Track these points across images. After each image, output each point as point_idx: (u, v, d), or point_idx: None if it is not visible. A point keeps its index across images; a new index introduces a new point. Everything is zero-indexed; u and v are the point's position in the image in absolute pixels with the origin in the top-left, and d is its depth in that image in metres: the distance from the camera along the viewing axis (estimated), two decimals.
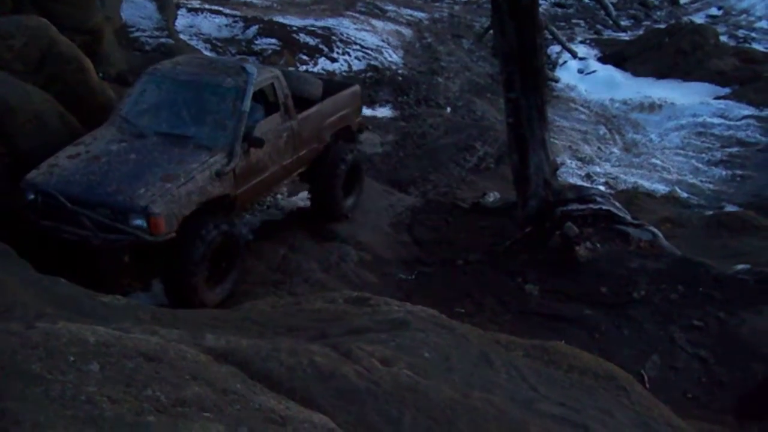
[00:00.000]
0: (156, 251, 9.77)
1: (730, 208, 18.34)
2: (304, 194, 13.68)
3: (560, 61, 29.43)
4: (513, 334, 8.10)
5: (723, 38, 31.23)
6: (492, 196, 16.42)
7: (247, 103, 10.74)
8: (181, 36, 23.70)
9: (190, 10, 26.84)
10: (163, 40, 21.59)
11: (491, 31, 15.33)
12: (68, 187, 9.47)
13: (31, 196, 9.59)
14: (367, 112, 22.29)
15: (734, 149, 22.76)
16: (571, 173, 20.31)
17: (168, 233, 9.39)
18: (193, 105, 10.94)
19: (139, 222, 9.24)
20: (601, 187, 18.17)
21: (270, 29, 25.99)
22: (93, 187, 9.51)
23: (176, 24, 24.58)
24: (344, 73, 24.85)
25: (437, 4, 35.25)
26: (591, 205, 13.61)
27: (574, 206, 13.57)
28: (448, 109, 23.62)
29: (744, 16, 36.40)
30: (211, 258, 9.97)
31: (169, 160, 10.01)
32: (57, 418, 3.75)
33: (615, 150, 23.12)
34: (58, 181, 9.51)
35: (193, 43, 23.79)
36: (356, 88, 14.32)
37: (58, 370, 4.22)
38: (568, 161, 21.00)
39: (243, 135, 10.58)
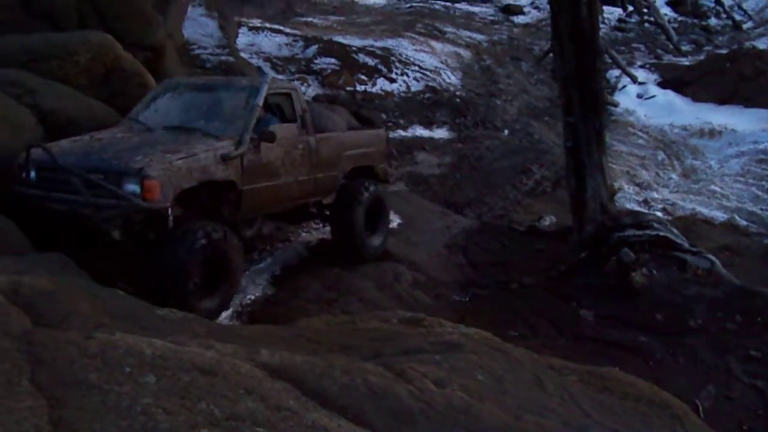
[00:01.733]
0: (147, 243, 9.17)
1: None
2: None
3: (619, 85, 29.28)
4: (567, 359, 8.03)
5: None
6: (548, 220, 16.35)
7: (261, 99, 10.38)
8: (242, 54, 23.94)
9: (251, 28, 27.13)
10: (223, 57, 21.82)
11: (551, 54, 15.38)
12: (64, 157, 9.02)
13: (25, 174, 9.24)
14: (424, 133, 22.38)
15: None
16: (628, 199, 20.15)
17: (163, 203, 8.62)
18: (205, 104, 10.77)
19: (132, 187, 8.50)
20: (659, 213, 18.01)
21: (330, 49, 26.16)
22: (89, 154, 9.15)
23: (237, 42, 24.87)
24: (402, 94, 24.91)
25: (496, 26, 35.25)
26: (648, 231, 13.46)
27: (631, 232, 13.44)
28: (506, 132, 23.59)
29: None
30: (201, 267, 9.00)
31: (173, 141, 9.59)
32: (113, 428, 3.79)
33: (673, 176, 22.91)
34: (55, 153, 9.05)
35: (253, 61, 24.02)
36: (382, 131, 13.95)
37: (115, 380, 4.27)
38: (626, 186, 20.85)
39: (254, 127, 10.09)
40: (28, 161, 9.10)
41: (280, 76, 23.89)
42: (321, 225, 13.17)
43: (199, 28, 23.30)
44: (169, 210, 8.88)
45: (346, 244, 12.33)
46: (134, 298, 7.14)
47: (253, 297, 10.98)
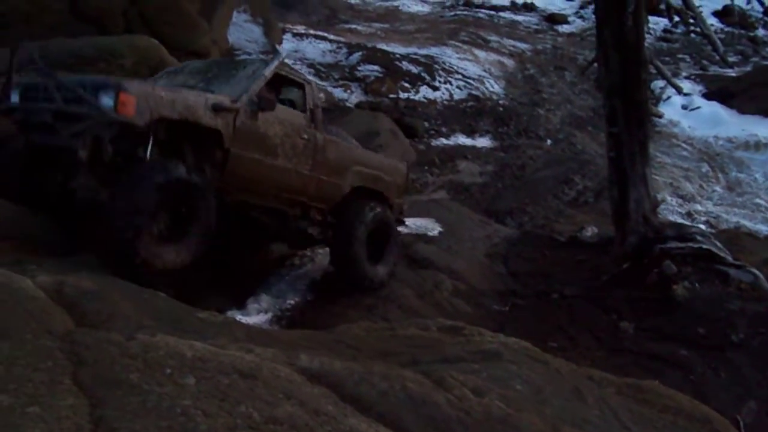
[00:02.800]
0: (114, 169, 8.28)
1: None
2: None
3: (664, 96, 29.07)
4: (606, 371, 7.97)
5: None
6: (590, 231, 16.26)
7: (268, 71, 9.85)
8: (286, 60, 24.04)
9: (295, 35, 27.28)
10: None
11: (595, 64, 15.23)
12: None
13: (7, 98, 8.78)
14: (466, 141, 22.36)
15: None
16: (671, 210, 20.00)
17: (136, 120, 7.90)
18: (214, 72, 10.34)
19: (107, 99, 7.85)
20: (702, 226, 17.85)
21: (373, 56, 26.22)
22: (76, 77, 8.85)
23: (281, 48, 24.98)
24: (445, 102, 24.91)
25: (540, 35, 35.16)
26: (691, 244, 13.36)
27: (674, 244, 13.34)
28: (549, 142, 23.51)
29: None
30: (163, 209, 8.08)
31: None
32: (153, 428, 3.82)
33: (717, 188, 22.72)
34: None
35: (297, 67, 24.10)
36: (403, 164, 12.96)
37: (156, 381, 4.30)
38: (669, 198, 20.69)
39: (254, 94, 9.45)
40: (10, 83, 8.76)
41: (323, 83, 24.00)
42: None
43: (243, 33, 23.48)
44: (149, 141, 8.20)
45: (344, 269, 11.33)
46: (175, 300, 7.18)
47: (292, 302, 11.00)
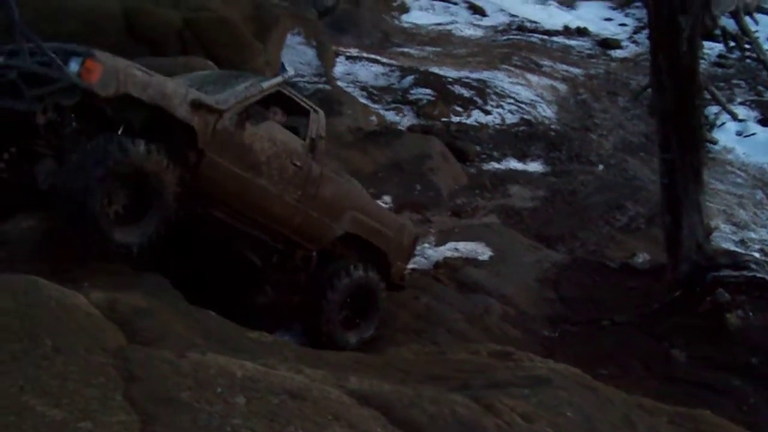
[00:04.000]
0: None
1: None
2: (452, 245, 13.68)
3: (718, 122, 28.70)
4: (657, 400, 7.91)
5: None
6: (641, 257, 16.13)
7: (267, 84, 9.33)
8: (339, 83, 24.18)
9: (348, 57, 27.39)
10: (320, 85, 22.08)
11: (649, 90, 15.15)
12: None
13: None
14: (517, 166, 22.28)
15: None
16: (724, 238, 19.72)
17: (98, 89, 7.45)
18: (214, 79, 9.92)
19: (74, 65, 7.49)
20: (756, 254, 17.60)
21: (426, 79, 26.22)
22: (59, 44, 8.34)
23: (334, 71, 25.12)
24: (497, 126, 24.86)
25: (593, 60, 34.98)
26: (745, 272, 13.20)
27: (727, 272, 13.19)
28: (600, 167, 23.34)
29: None
30: (111, 184, 7.54)
31: None
32: None
33: None
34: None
35: (349, 90, 24.23)
36: (411, 226, 12.15)
37: (206, 400, 4.33)
38: (723, 226, 20.42)
39: (246, 103, 8.90)
40: None
41: (375, 106, 24.07)
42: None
43: (297, 56, 23.61)
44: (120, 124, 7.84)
45: (309, 323, 10.43)
46: (226, 320, 7.24)
47: None
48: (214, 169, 8.67)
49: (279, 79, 9.68)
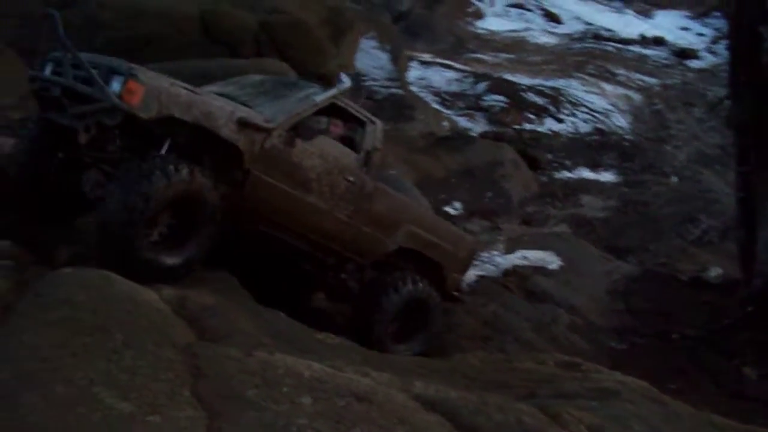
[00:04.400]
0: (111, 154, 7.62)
1: None
2: (521, 253, 13.58)
3: None
4: (727, 417, 7.76)
5: None
6: (714, 271, 15.88)
7: (321, 98, 8.89)
8: (412, 88, 24.21)
9: (422, 62, 27.42)
10: (393, 90, 22.12)
11: (726, 101, 14.91)
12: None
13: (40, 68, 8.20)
14: (590, 175, 22.11)
15: None
16: None
17: (140, 111, 7.19)
18: (265, 88, 9.57)
19: (116, 84, 7.26)
20: None
21: (499, 86, 26.17)
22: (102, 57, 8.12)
23: (408, 76, 25.14)
24: (570, 135, 24.70)
25: (669, 70, 34.56)
26: None
27: None
28: (674, 179, 23.06)
29: None
30: (157, 209, 7.21)
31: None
32: None
33: None
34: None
35: (422, 95, 24.25)
36: (471, 238, 11.69)
37: (272, 399, 4.35)
38: None
39: (296, 119, 8.54)
40: (40, 55, 8.32)
41: (448, 111, 24.06)
42: (480, 262, 12.87)
43: (370, 60, 23.69)
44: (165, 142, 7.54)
45: (360, 334, 9.60)
46: (294, 320, 7.26)
47: None
48: (260, 188, 8.36)
49: (333, 91, 9.32)
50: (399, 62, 24.70)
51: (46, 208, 8.37)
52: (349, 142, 9.39)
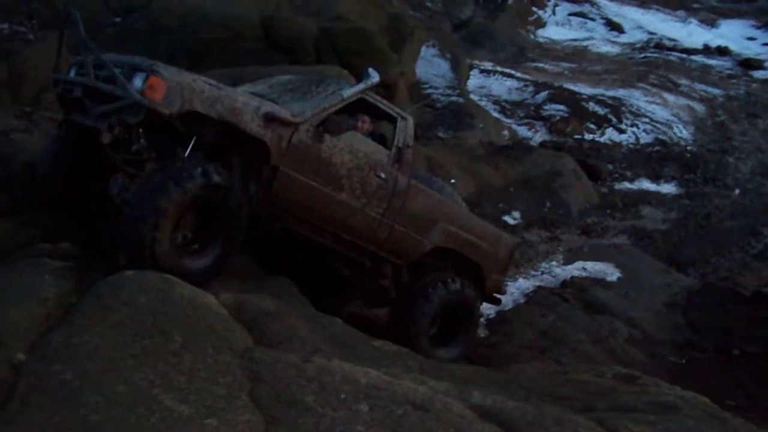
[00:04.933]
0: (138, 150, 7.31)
1: None
2: (580, 264, 13.49)
3: None
4: None
5: None
6: None
7: (349, 93, 8.62)
8: (472, 96, 24.17)
9: (482, 71, 27.41)
10: (453, 98, 22.10)
11: None
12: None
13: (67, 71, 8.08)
14: (650, 186, 21.90)
15: None
16: None
17: (162, 107, 7.04)
18: (294, 85, 9.32)
19: (138, 81, 7.12)
20: None
21: (560, 96, 26.06)
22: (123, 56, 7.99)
23: (468, 84, 25.12)
24: (631, 146, 24.50)
25: (734, 80, 34.12)
26: None
27: None
28: (737, 191, 22.75)
29: None
30: (183, 211, 7.09)
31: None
32: None
33: None
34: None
35: (482, 103, 24.22)
36: (510, 238, 11.22)
37: (330, 405, 4.37)
38: None
39: (324, 114, 8.30)
40: (59, 57, 8.11)
41: (508, 120, 24.00)
42: (538, 272, 12.81)
43: (431, 68, 23.72)
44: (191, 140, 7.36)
45: (399, 339, 9.00)
46: (351, 327, 7.26)
47: None
48: (289, 185, 8.11)
49: (361, 86, 8.89)
50: (459, 70, 24.68)
51: (73, 213, 8.26)
52: (380, 139, 9.26)
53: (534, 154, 20.46)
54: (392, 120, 9.30)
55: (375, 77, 8.89)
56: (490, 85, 26.61)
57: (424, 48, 24.35)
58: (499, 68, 28.54)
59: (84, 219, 8.14)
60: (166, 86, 7.05)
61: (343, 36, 18.89)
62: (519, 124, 24.20)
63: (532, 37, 37.19)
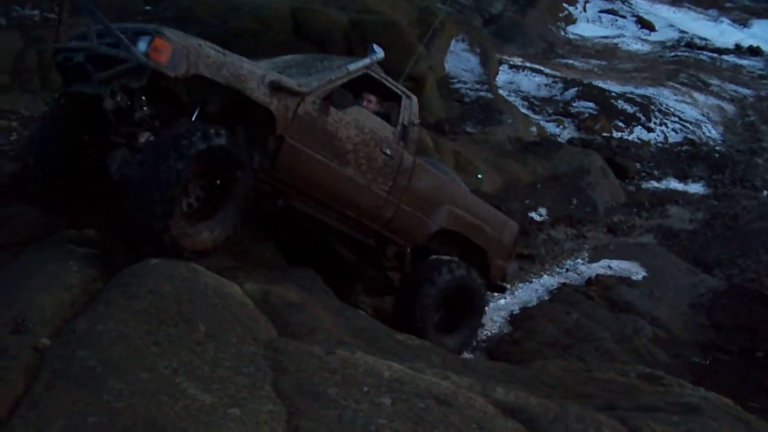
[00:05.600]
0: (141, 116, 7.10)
1: None
2: (606, 262, 13.43)
3: None
4: None
5: None
6: None
7: (354, 67, 8.53)
8: (500, 91, 24.11)
9: (511, 66, 27.34)
10: (482, 93, 22.05)
11: None
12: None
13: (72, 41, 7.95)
14: (678, 186, 21.78)
15: None
16: None
17: (167, 69, 6.82)
18: (301, 63, 9.14)
19: (142, 44, 6.89)
20: None
21: (589, 93, 25.97)
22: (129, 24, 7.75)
23: (497, 79, 25.06)
24: (659, 144, 24.37)
25: (765, 81, 33.89)
26: None
27: None
28: (765, 193, 22.59)
29: None
30: (189, 178, 6.81)
31: None
32: None
33: None
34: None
35: (511, 99, 24.15)
36: (514, 224, 10.89)
37: (352, 398, 4.37)
38: None
39: (330, 86, 8.12)
40: (58, 27, 8.23)
41: (536, 116, 23.94)
42: (563, 269, 12.77)
43: (460, 62, 23.68)
44: (195, 108, 7.28)
45: (403, 326, 8.75)
46: (375, 320, 7.27)
47: (489, 333, 10.96)
48: (295, 157, 7.91)
49: (366, 61, 8.77)
50: (488, 65, 24.63)
51: (69, 192, 8.01)
52: (384, 118, 9.01)
53: (562, 151, 20.38)
54: (397, 98, 9.17)
55: (380, 53, 8.81)
56: (519, 80, 26.54)
57: (453, 42, 24.33)
58: (528, 64, 28.46)
59: (80, 200, 7.99)
60: (172, 48, 6.88)
61: (374, 28, 18.88)
62: (547, 121, 24.14)
63: (562, 33, 37.07)
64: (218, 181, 7.04)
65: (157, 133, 7.09)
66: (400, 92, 9.19)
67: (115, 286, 5.24)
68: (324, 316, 6.21)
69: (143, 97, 7.05)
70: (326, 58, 9.35)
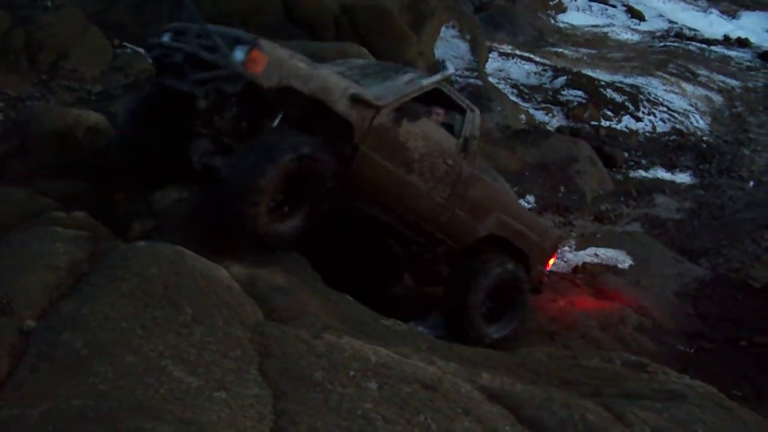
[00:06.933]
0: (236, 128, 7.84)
1: None
2: (592, 250, 13.45)
3: None
4: None
5: None
6: None
7: (426, 82, 9.00)
8: (490, 78, 24.11)
9: (501, 54, 27.34)
10: (472, 80, 22.06)
11: None
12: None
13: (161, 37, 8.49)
14: (665, 176, 21.83)
15: None
16: None
17: (262, 80, 7.33)
18: (371, 71, 9.66)
19: (239, 53, 7.38)
20: None
21: (578, 81, 26.00)
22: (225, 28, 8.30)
23: (486, 66, 25.04)
24: (647, 134, 24.42)
25: (752, 72, 33.96)
26: None
27: None
28: (751, 183, 22.66)
29: None
30: (279, 183, 7.36)
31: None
32: (332, 427, 3.88)
33: None
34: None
35: (500, 86, 24.16)
36: (557, 231, 11.97)
37: (339, 382, 4.38)
38: None
39: (404, 100, 8.67)
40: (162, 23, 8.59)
41: (525, 104, 23.94)
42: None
43: (450, 49, 23.68)
44: (279, 112, 7.73)
45: (451, 315, 10.23)
46: (362, 305, 7.28)
47: None
48: (366, 165, 8.51)
49: (438, 76, 9.34)
50: (478, 53, 24.64)
51: (145, 172, 8.59)
52: (447, 129, 9.53)
53: (550, 139, 20.40)
54: (462, 111, 9.68)
55: (450, 69, 9.41)
56: (509, 68, 26.56)
57: (444, 29, 24.33)
58: (518, 52, 28.49)
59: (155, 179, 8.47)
60: (268, 60, 7.36)
61: (365, 14, 18.87)
62: (536, 109, 24.17)
63: (552, 21, 37.08)
64: (300, 183, 7.60)
65: (242, 133, 7.83)
66: (465, 106, 9.73)
67: (102, 269, 5.24)
68: (311, 300, 6.22)
69: (233, 100, 7.67)
70: (400, 69, 9.83)
